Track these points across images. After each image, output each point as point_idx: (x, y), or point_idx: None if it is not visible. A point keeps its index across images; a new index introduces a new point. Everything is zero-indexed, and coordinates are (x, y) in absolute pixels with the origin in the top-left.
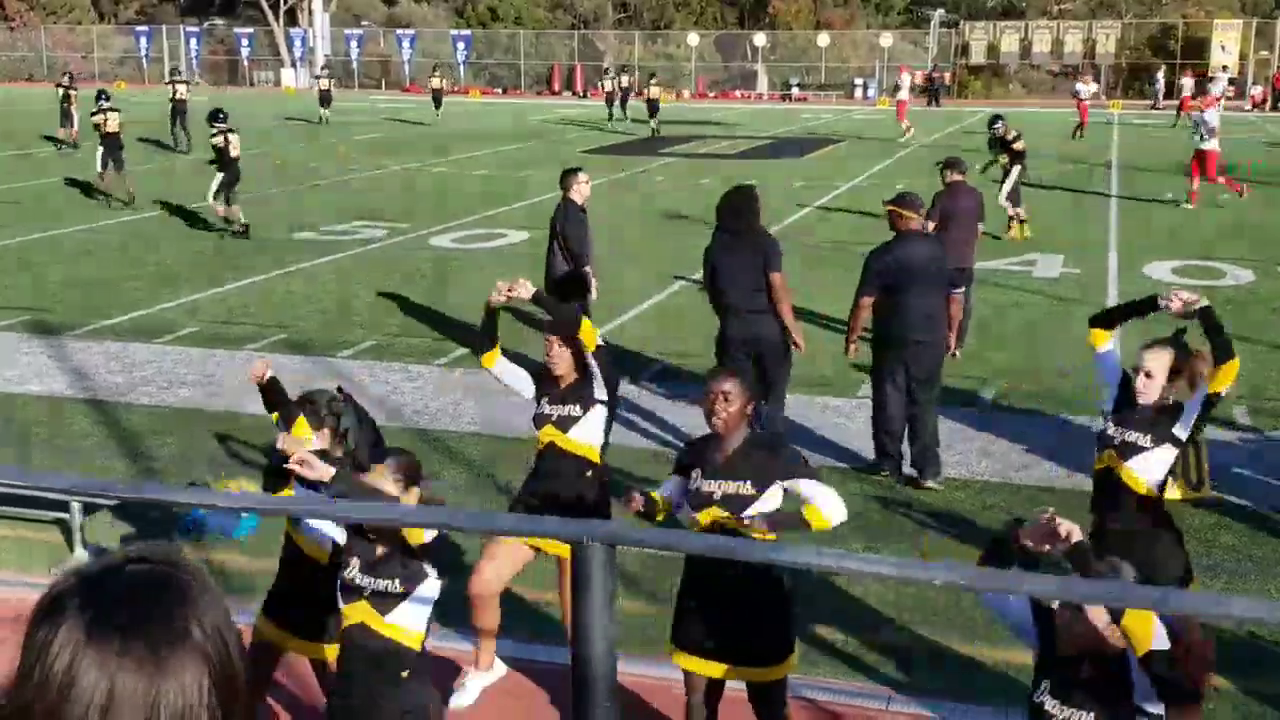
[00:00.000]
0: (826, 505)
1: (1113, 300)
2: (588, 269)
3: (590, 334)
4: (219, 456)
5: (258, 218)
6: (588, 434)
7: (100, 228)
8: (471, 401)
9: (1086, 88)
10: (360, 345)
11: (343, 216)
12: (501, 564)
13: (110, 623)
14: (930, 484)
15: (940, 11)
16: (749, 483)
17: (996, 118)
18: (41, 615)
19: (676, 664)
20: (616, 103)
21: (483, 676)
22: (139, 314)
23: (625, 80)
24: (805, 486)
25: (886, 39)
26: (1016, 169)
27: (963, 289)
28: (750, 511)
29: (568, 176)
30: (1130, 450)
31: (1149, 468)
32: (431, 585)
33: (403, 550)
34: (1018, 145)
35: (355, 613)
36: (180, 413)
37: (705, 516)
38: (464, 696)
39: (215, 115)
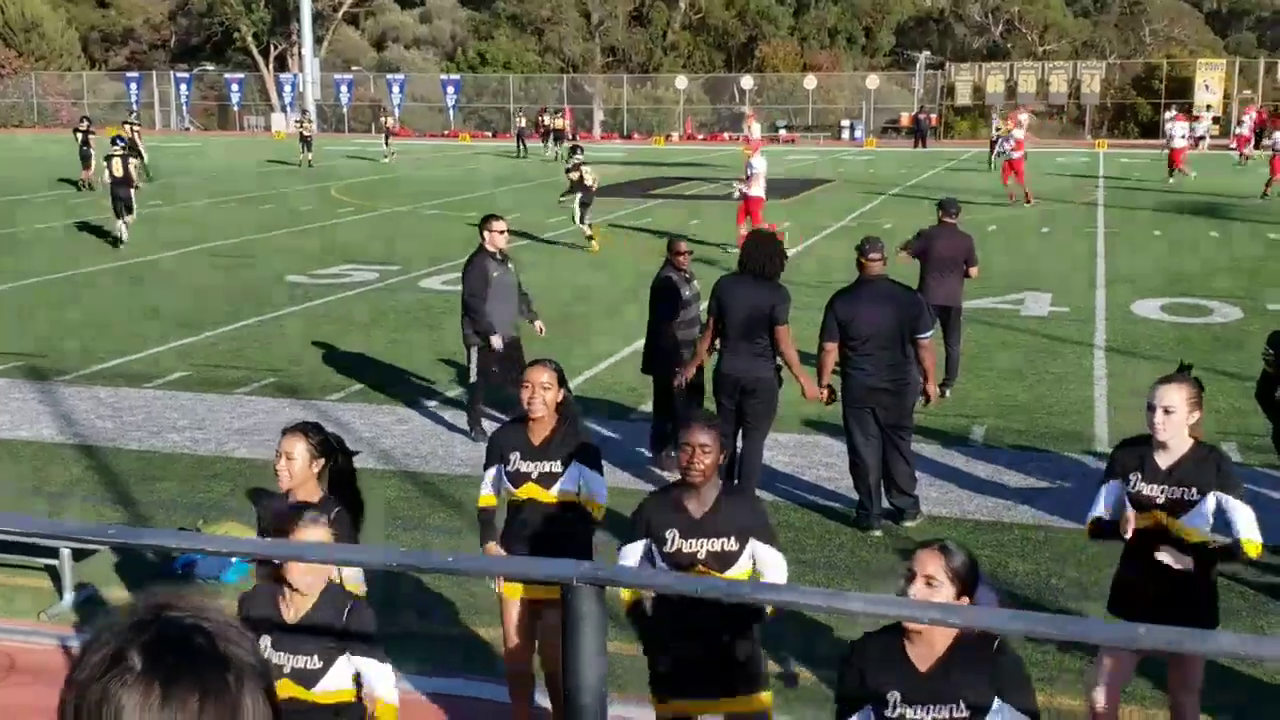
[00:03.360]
0: (772, 577)
1: (1101, 335)
2: (494, 337)
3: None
4: (208, 501)
5: (248, 262)
6: (569, 487)
7: (89, 273)
8: (461, 443)
9: None
10: (351, 388)
11: (333, 260)
12: (519, 632)
13: (181, 681)
14: (909, 523)
15: (926, 53)
16: (732, 538)
17: (575, 148)
18: (100, 673)
19: (663, 714)
20: (546, 141)
21: None
22: (130, 358)
23: (536, 119)
24: (765, 554)
25: (873, 80)
26: (578, 195)
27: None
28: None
29: (484, 223)
30: (1182, 507)
31: (1205, 518)
32: (343, 668)
33: (325, 618)
34: (588, 180)
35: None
36: (170, 457)
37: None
38: None
39: None
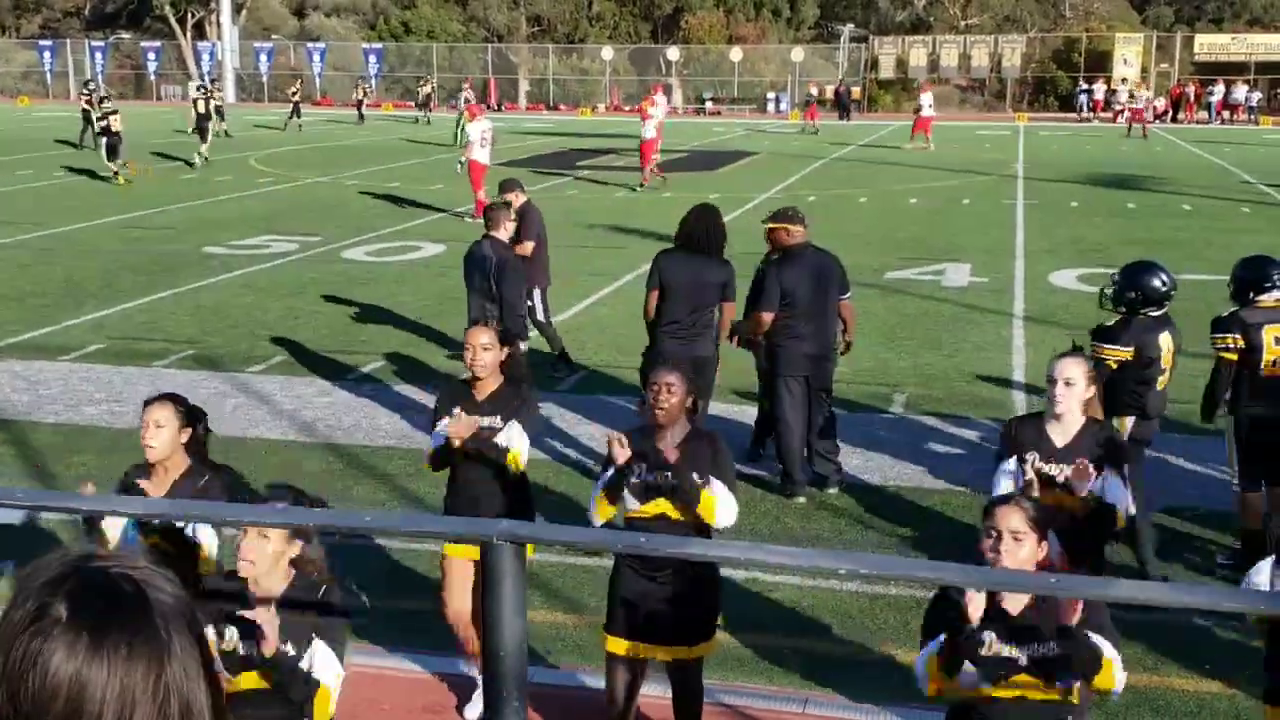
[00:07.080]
0: (724, 511)
1: (1020, 305)
2: (520, 343)
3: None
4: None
5: (165, 233)
6: (509, 442)
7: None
8: (385, 415)
9: None
10: (272, 360)
11: (253, 230)
12: (462, 585)
13: (109, 628)
14: (831, 490)
15: (850, 26)
16: (696, 475)
17: (104, 98)
18: (24, 628)
19: (611, 650)
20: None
21: None
22: (44, 331)
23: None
24: (717, 488)
25: (798, 53)
26: (104, 140)
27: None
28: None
29: (492, 211)
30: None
31: (1097, 490)
32: (325, 655)
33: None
34: (114, 127)
35: (246, 680)
36: (87, 431)
37: (653, 509)
38: (473, 711)
39: None
